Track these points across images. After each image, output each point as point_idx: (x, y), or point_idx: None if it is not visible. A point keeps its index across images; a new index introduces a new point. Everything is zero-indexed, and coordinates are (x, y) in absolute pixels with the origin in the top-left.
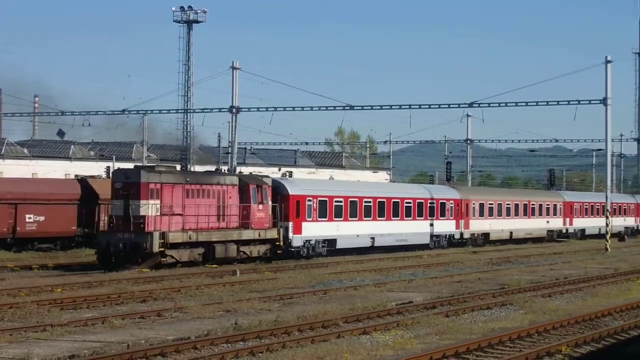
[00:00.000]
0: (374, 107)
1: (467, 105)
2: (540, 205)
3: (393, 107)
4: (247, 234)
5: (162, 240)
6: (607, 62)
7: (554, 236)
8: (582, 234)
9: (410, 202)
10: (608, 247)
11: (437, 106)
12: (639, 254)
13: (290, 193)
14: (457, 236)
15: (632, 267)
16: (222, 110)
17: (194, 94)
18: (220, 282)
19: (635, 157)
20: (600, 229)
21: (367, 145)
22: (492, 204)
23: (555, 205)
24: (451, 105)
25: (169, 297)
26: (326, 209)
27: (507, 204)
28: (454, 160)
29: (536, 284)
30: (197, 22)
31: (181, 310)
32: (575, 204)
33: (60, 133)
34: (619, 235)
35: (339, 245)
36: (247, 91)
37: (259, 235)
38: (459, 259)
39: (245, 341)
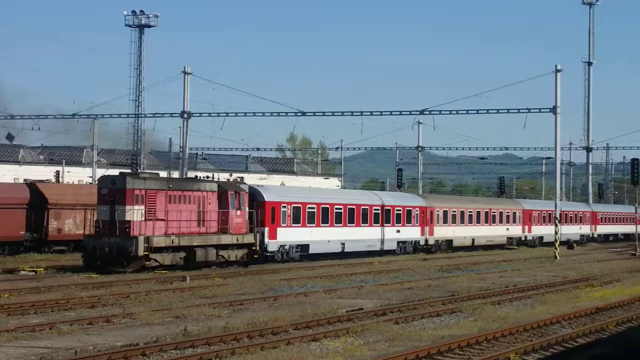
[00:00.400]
0: (325, 114)
1: (418, 113)
2: (501, 213)
3: (345, 113)
4: (225, 239)
5: (147, 244)
6: (557, 71)
7: (513, 243)
8: (540, 241)
9: (378, 209)
10: (557, 255)
11: (388, 113)
12: (587, 262)
13: (266, 199)
14: (422, 242)
15: (580, 275)
16: (174, 115)
17: (145, 99)
18: (170, 288)
19: (584, 166)
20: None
21: (319, 152)
22: (455, 211)
23: (514, 213)
24: (402, 113)
25: (118, 303)
26: (300, 216)
27: (470, 212)
28: (405, 167)
29: (486, 291)
30: (148, 26)
31: (130, 316)
32: (534, 212)
33: (9, 137)
34: (568, 244)
35: (312, 250)
36: (198, 96)
37: (237, 240)
38: (409, 266)
39: (195, 348)
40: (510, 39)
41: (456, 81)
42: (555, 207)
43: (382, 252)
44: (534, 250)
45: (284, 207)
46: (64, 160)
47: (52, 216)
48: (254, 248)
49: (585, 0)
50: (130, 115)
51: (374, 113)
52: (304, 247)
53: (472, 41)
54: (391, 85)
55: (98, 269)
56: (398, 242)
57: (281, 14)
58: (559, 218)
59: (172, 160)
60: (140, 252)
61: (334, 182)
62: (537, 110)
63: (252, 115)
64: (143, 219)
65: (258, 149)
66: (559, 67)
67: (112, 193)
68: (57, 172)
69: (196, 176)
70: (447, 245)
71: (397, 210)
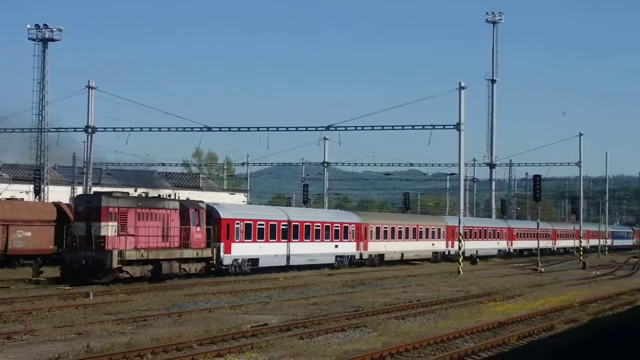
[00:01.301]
0: (231, 129)
1: (324, 129)
2: (427, 229)
3: (251, 129)
4: (187, 253)
5: (120, 258)
6: (461, 88)
7: (438, 257)
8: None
9: (319, 226)
10: (461, 270)
11: (294, 129)
12: (489, 277)
13: (222, 216)
14: (357, 257)
15: (482, 289)
16: (78, 130)
17: (48, 113)
18: (73, 304)
19: (487, 182)
20: (477, 250)
21: (225, 167)
22: (386, 227)
23: (439, 229)
24: (308, 128)
25: (20, 320)
26: (251, 232)
27: (399, 228)
28: (311, 183)
29: (390, 306)
30: (52, 40)
31: (32, 333)
32: (457, 227)
33: None
34: (471, 259)
35: (261, 264)
36: (103, 111)
37: (197, 254)
38: (314, 281)
39: None
40: (417, 56)
41: (362, 98)
42: (459, 223)
43: (322, 266)
44: (437, 266)
45: (237, 223)
46: None
47: None
48: (211, 262)
49: (489, 18)
50: (33, 130)
51: (279, 128)
52: (254, 261)
53: (379, 57)
54: (297, 101)
55: (74, 281)
56: (336, 257)
57: (186, 27)
58: (462, 234)
59: (76, 175)
60: (115, 265)
61: (239, 198)
62: (442, 127)
63: (157, 130)
64: (116, 234)
65: (163, 164)
66: (462, 85)
67: (88, 210)
68: None
69: (159, 195)
70: (380, 259)
71: (335, 226)
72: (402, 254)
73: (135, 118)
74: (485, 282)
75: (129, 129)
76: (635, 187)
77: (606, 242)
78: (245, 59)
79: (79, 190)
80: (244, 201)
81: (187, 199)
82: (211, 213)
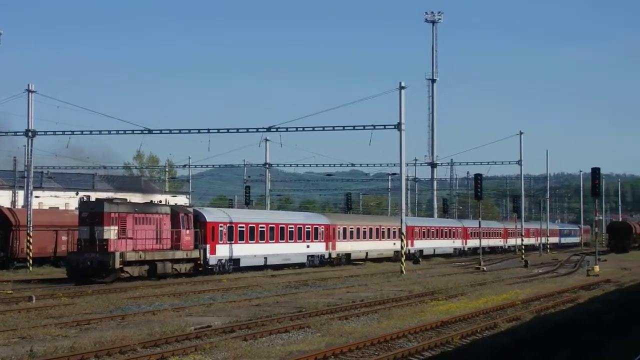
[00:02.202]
0: (172, 131)
1: (265, 130)
2: (389, 229)
3: (192, 131)
4: (178, 254)
5: (121, 259)
6: (401, 88)
7: (399, 256)
8: (421, 254)
9: (292, 227)
10: (403, 269)
11: (235, 130)
12: (432, 276)
13: (207, 220)
14: (327, 256)
15: (425, 289)
16: (18, 133)
17: None
18: (16, 308)
19: (429, 181)
20: (434, 249)
21: (167, 169)
22: (352, 228)
23: (399, 229)
24: (249, 130)
25: None
26: (233, 234)
27: (364, 229)
28: (253, 184)
29: (333, 306)
30: None
31: None
32: (416, 227)
33: None
34: (414, 258)
35: (242, 264)
36: (43, 115)
37: (187, 255)
38: (257, 283)
39: None
40: (358, 57)
41: (303, 99)
42: (401, 223)
43: (295, 265)
44: (380, 266)
45: (221, 226)
46: None
47: None
48: (198, 262)
49: (428, 18)
50: None
51: (220, 130)
52: (236, 261)
53: (320, 59)
54: (237, 102)
55: (80, 281)
56: (308, 256)
57: (129, 29)
58: (404, 233)
59: (17, 179)
60: (117, 265)
61: (181, 200)
62: (382, 127)
63: (98, 133)
64: (117, 237)
65: (105, 167)
66: (403, 85)
67: (91, 216)
68: None
69: (151, 201)
70: (347, 259)
71: (307, 228)
72: (367, 253)
73: (76, 121)
74: (428, 281)
75: (70, 132)
76: (575, 185)
77: (547, 239)
78: (185, 60)
79: (20, 194)
80: (185, 203)
81: (176, 204)
82: (198, 217)
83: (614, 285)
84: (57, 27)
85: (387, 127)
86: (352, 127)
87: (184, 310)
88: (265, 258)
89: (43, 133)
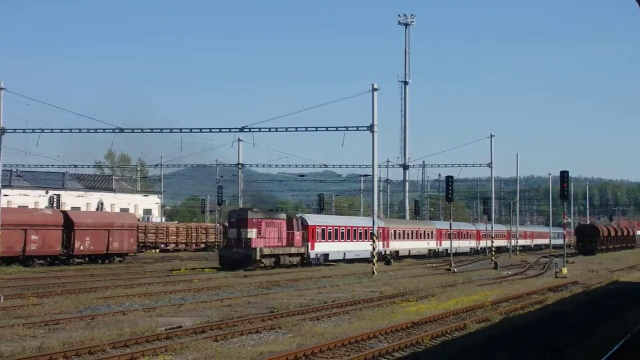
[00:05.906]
0: (144, 130)
1: (238, 130)
2: (365, 231)
3: (164, 130)
4: (292, 250)
5: (260, 253)
6: (374, 89)
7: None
8: (396, 255)
9: (362, 230)
10: (375, 271)
11: (208, 130)
12: (403, 277)
13: (309, 224)
14: (383, 253)
15: (396, 290)
16: None
17: None
18: None
19: (401, 183)
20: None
21: (138, 169)
22: (331, 229)
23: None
24: (222, 130)
25: None
26: (324, 234)
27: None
28: (226, 185)
29: (304, 307)
30: None
31: None
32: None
33: None
34: (385, 259)
35: (330, 258)
36: (12, 112)
37: (297, 251)
38: (229, 283)
39: None
40: (332, 58)
41: (276, 100)
42: (373, 224)
43: (363, 259)
44: (351, 267)
45: (318, 229)
46: None
47: None
48: (304, 256)
49: (401, 21)
50: None
51: (193, 130)
52: (326, 256)
53: (293, 61)
54: (211, 102)
55: (230, 269)
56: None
57: (101, 26)
58: (376, 235)
59: None
60: (258, 258)
61: (153, 200)
62: (355, 129)
63: (68, 132)
64: (256, 237)
65: (75, 166)
66: (375, 86)
67: (238, 221)
68: None
69: (274, 209)
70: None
71: (370, 230)
72: (344, 253)
73: (46, 119)
74: (399, 282)
75: (40, 130)
76: (545, 187)
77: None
78: (157, 60)
79: None
80: (157, 203)
81: (285, 211)
82: (304, 221)
83: (581, 287)
84: (30, 26)
85: (359, 128)
86: (325, 128)
87: (155, 311)
88: (344, 253)
89: (12, 131)
